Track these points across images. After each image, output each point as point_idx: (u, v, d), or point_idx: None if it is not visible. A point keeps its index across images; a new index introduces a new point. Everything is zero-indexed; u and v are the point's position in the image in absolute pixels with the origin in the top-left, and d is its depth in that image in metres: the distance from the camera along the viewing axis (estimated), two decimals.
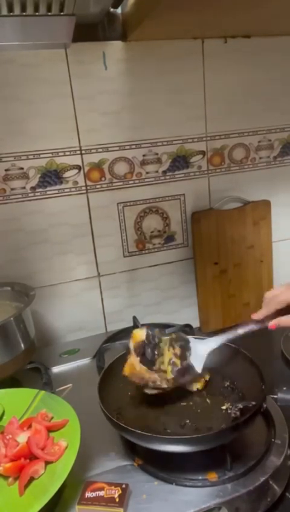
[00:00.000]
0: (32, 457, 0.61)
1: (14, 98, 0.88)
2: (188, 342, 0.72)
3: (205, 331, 1.11)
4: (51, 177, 0.95)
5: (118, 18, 0.91)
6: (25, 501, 0.55)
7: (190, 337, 0.73)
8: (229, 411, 0.67)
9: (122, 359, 0.77)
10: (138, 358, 0.66)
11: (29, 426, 0.66)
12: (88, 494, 0.57)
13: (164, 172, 1.04)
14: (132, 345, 0.67)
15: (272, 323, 0.65)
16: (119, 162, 0.99)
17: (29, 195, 0.95)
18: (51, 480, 0.57)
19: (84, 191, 0.99)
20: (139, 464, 0.64)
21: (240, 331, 0.69)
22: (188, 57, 0.97)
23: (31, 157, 0.93)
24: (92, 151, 0.97)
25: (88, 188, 0.99)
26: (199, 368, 0.70)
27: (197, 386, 0.72)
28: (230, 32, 0.97)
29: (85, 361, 0.96)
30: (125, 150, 0.99)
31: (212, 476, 0.61)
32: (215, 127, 1.04)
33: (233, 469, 0.61)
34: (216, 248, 1.09)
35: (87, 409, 0.68)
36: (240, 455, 0.63)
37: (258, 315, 0.67)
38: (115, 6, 0.86)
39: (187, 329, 1.01)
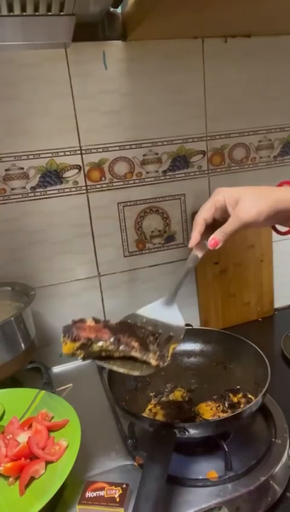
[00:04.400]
0: (32, 457, 0.61)
1: (14, 98, 0.88)
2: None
3: None
4: (51, 177, 0.95)
5: (118, 18, 0.91)
6: (26, 501, 0.55)
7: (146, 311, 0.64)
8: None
9: None
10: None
11: (30, 426, 0.66)
12: (88, 494, 0.58)
13: (164, 172, 1.04)
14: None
15: (211, 240, 0.59)
16: (120, 162, 0.99)
17: (30, 195, 0.95)
18: (51, 480, 0.57)
19: (85, 191, 0.99)
20: (139, 464, 0.65)
21: (190, 264, 0.63)
22: (188, 57, 0.97)
23: (31, 157, 0.93)
24: (92, 151, 0.97)
25: (88, 187, 0.99)
26: (179, 321, 0.61)
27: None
28: (230, 31, 0.97)
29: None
30: (125, 149, 0.99)
31: (213, 476, 0.61)
32: (215, 126, 1.04)
33: (234, 469, 0.61)
34: None
35: (88, 408, 0.68)
36: (241, 455, 0.63)
37: (191, 243, 0.62)
38: (115, 6, 0.86)
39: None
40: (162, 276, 1.11)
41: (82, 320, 0.58)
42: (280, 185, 0.62)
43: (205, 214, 0.60)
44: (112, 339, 0.54)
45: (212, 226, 0.61)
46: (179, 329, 0.59)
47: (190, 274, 0.63)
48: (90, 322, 0.58)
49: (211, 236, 0.59)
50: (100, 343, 0.54)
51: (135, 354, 0.54)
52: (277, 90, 1.07)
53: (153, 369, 0.54)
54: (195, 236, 0.60)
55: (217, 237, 0.58)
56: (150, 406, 0.72)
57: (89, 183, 0.98)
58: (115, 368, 0.55)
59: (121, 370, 0.54)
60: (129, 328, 0.59)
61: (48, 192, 0.96)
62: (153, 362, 0.54)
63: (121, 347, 0.54)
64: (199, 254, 0.62)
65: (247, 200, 0.56)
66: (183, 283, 0.63)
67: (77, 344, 0.54)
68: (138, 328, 0.59)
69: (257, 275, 1.15)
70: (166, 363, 0.54)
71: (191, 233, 0.61)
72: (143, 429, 0.65)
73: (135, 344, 0.54)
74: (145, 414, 0.69)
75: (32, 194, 0.95)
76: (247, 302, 1.16)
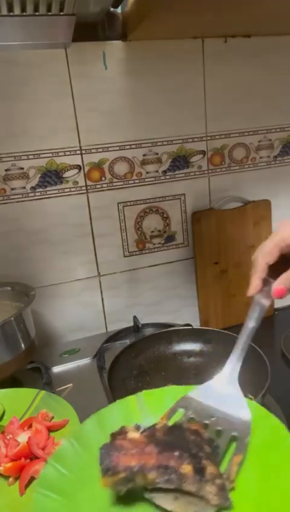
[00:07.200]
0: (32, 457, 0.61)
1: (14, 98, 0.88)
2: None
3: None
4: (51, 177, 0.95)
5: (118, 18, 0.91)
6: (26, 501, 0.55)
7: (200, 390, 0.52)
8: None
9: (128, 350, 0.80)
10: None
11: (30, 426, 0.66)
12: None
13: (164, 172, 1.04)
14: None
15: (276, 289, 0.47)
16: (120, 162, 0.99)
17: (30, 195, 0.95)
18: None
19: (85, 191, 0.99)
20: None
21: (253, 321, 0.51)
22: (188, 57, 0.97)
23: (31, 157, 0.93)
24: (92, 151, 0.97)
25: (88, 187, 0.99)
26: (242, 411, 0.48)
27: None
28: (230, 31, 0.97)
29: (85, 361, 0.96)
30: (125, 149, 0.99)
31: None
32: (215, 126, 1.04)
33: None
34: (216, 248, 1.09)
35: (88, 408, 0.68)
36: None
37: (250, 290, 0.50)
38: (115, 6, 0.86)
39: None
40: (162, 276, 1.11)
41: (123, 432, 0.46)
42: None
43: (268, 257, 0.49)
44: (158, 470, 0.41)
45: (274, 266, 0.51)
46: (244, 426, 0.45)
47: (252, 334, 0.51)
48: (132, 433, 0.45)
49: (277, 284, 0.47)
50: (145, 476, 0.41)
51: (188, 487, 0.40)
52: (277, 90, 1.07)
53: (214, 508, 0.41)
54: (256, 283, 0.50)
55: (285, 284, 0.46)
56: None
57: (89, 183, 0.98)
58: (168, 507, 0.42)
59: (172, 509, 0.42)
60: (180, 438, 0.44)
61: (48, 192, 0.96)
62: (213, 501, 0.40)
63: (170, 477, 0.40)
64: (266, 302, 0.51)
65: None
66: (245, 349, 0.51)
67: (116, 479, 0.41)
68: (192, 434, 0.45)
69: None
70: (229, 497, 0.40)
71: (251, 278, 0.50)
72: None
73: (188, 469, 0.41)
74: None
75: (32, 194, 0.95)
76: (247, 302, 1.15)
